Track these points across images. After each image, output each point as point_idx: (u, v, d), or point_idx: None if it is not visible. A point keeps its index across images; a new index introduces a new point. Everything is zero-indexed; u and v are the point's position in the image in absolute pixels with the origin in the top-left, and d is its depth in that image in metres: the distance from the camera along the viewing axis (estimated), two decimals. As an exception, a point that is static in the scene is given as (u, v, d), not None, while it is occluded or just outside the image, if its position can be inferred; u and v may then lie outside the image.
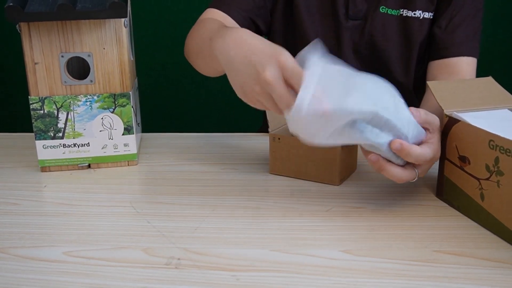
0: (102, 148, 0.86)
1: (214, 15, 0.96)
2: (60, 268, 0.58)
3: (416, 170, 0.67)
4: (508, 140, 0.60)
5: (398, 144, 0.63)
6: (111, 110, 0.84)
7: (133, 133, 0.86)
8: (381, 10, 0.97)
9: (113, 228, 0.67)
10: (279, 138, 0.80)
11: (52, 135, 0.84)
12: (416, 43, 0.98)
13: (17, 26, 0.80)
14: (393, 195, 0.75)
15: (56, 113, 0.83)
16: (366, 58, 1.01)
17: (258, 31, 1.03)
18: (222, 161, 0.89)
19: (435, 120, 0.68)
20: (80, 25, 0.80)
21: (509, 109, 0.72)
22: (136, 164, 0.88)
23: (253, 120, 1.42)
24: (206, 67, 0.88)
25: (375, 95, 0.61)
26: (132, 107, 0.86)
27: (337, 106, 0.58)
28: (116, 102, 0.84)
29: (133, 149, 0.87)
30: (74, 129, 0.84)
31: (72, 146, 0.85)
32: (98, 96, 0.84)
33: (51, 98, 0.83)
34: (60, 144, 0.85)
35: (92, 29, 0.81)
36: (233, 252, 0.61)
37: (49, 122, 0.84)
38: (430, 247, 0.61)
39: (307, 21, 1.00)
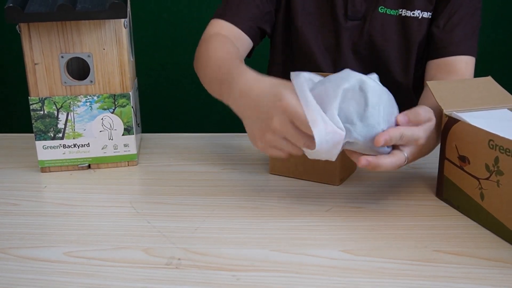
0: (102, 149, 0.86)
1: (220, 28, 0.96)
2: (60, 268, 0.58)
3: (405, 154, 0.66)
4: (507, 139, 0.60)
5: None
6: (111, 110, 0.84)
7: (133, 134, 0.86)
8: (380, 10, 0.97)
9: (114, 228, 0.67)
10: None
11: (52, 135, 0.84)
12: (415, 43, 0.98)
13: (17, 26, 0.80)
14: (393, 195, 0.75)
15: (56, 114, 0.83)
16: (365, 59, 1.01)
17: (264, 35, 1.03)
18: (222, 161, 0.89)
19: (426, 117, 0.66)
20: (80, 26, 0.80)
21: (508, 109, 0.72)
22: (136, 165, 0.89)
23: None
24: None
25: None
26: (132, 107, 0.86)
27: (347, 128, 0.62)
28: (116, 103, 0.84)
29: (133, 150, 0.87)
30: (74, 130, 0.84)
31: (72, 146, 0.85)
32: (98, 97, 0.84)
33: (51, 99, 0.83)
34: (60, 144, 0.85)
35: (92, 29, 0.81)
36: (233, 252, 0.61)
37: (49, 122, 0.84)
38: (430, 246, 0.61)
39: (305, 23, 1.00)
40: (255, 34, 0.99)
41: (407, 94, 1.03)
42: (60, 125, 0.84)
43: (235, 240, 0.63)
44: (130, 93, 0.85)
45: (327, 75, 0.67)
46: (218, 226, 0.67)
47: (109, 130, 0.85)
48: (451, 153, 0.70)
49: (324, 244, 0.62)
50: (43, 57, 0.81)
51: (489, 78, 0.76)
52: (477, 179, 0.65)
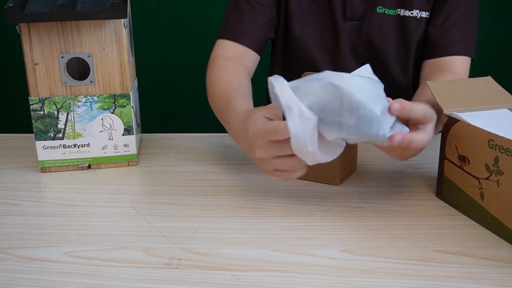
0: (102, 149, 0.86)
1: (226, 49, 0.96)
2: (60, 268, 0.58)
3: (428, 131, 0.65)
4: (507, 139, 0.60)
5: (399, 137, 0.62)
6: (111, 110, 0.85)
7: (133, 134, 0.86)
8: (378, 10, 0.97)
9: (114, 228, 0.67)
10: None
11: (52, 135, 0.84)
12: (414, 43, 0.98)
13: (17, 26, 0.80)
14: (393, 195, 0.75)
15: (56, 114, 0.83)
16: (364, 59, 1.01)
17: (270, 40, 1.04)
18: (222, 161, 0.89)
19: (423, 113, 0.64)
20: (80, 26, 0.80)
21: (508, 109, 0.72)
22: (136, 165, 0.89)
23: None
24: None
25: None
26: (132, 107, 0.86)
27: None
28: (116, 103, 0.84)
29: (133, 150, 0.87)
30: (74, 130, 0.84)
31: (72, 146, 0.85)
32: (98, 97, 0.84)
33: (51, 99, 0.83)
34: (60, 144, 0.85)
35: (92, 29, 0.81)
36: (234, 252, 0.61)
37: (49, 122, 0.84)
38: (430, 246, 0.61)
39: (303, 25, 1.00)
40: (261, 46, 0.99)
41: (406, 93, 1.03)
42: (60, 125, 0.84)
43: (235, 240, 0.64)
44: (130, 93, 0.85)
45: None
46: (218, 226, 0.67)
47: (109, 130, 0.85)
48: (451, 153, 0.70)
49: (324, 244, 0.62)
50: (43, 57, 0.81)
51: (489, 78, 0.76)
52: (477, 179, 0.65)
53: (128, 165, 0.88)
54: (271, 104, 0.66)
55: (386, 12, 0.97)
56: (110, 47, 0.82)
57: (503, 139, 0.60)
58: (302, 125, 0.59)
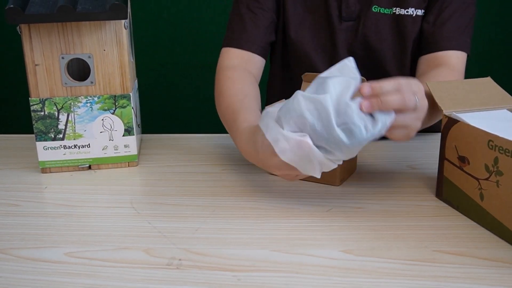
0: (103, 149, 0.86)
1: (231, 57, 0.97)
2: (61, 269, 0.58)
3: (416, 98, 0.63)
4: (507, 140, 0.60)
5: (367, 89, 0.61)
6: (112, 111, 0.85)
7: (134, 134, 0.87)
8: (373, 9, 0.97)
9: (114, 229, 0.67)
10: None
11: (53, 136, 0.84)
12: (410, 41, 0.98)
13: (18, 27, 0.80)
14: (393, 195, 0.76)
15: (56, 115, 0.83)
16: (361, 59, 1.00)
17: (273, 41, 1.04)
18: (223, 161, 0.89)
19: (393, 81, 0.63)
20: (80, 27, 0.81)
21: (508, 110, 0.72)
22: (136, 165, 0.89)
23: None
24: None
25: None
26: (133, 108, 0.86)
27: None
28: (116, 103, 0.85)
29: (133, 150, 0.87)
30: (75, 131, 0.85)
31: (73, 147, 0.85)
32: (98, 98, 0.84)
33: (51, 100, 0.83)
34: (61, 145, 0.85)
35: (92, 30, 0.81)
36: (234, 253, 0.61)
37: (49, 123, 0.84)
38: (430, 247, 0.62)
39: (300, 27, 1.01)
40: (265, 50, 1.00)
41: None
42: (61, 126, 0.84)
43: (235, 241, 0.64)
44: (131, 93, 0.85)
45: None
46: (218, 226, 0.67)
47: (109, 131, 0.86)
48: (450, 153, 0.70)
49: (324, 244, 0.63)
50: (43, 58, 0.81)
51: (489, 78, 0.76)
52: (477, 179, 0.66)
53: (128, 166, 0.88)
54: (275, 104, 0.67)
55: (381, 11, 0.97)
56: (111, 48, 0.82)
57: (502, 140, 0.61)
58: (292, 150, 0.61)
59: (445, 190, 0.72)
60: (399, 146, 0.96)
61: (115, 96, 0.84)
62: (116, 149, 0.87)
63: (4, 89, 2.01)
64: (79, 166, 0.87)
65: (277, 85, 1.11)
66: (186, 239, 0.64)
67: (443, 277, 0.55)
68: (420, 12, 0.96)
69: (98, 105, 0.84)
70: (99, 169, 0.87)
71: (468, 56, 0.96)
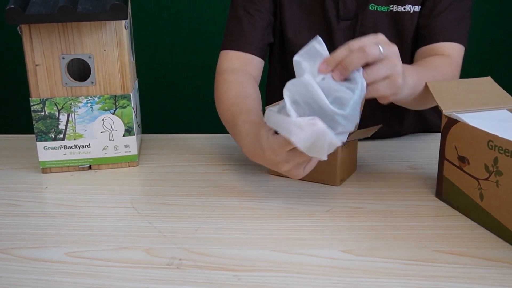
0: (103, 149, 0.86)
1: (230, 60, 0.96)
2: (62, 268, 0.58)
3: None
4: (507, 140, 0.60)
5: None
6: (112, 111, 0.85)
7: (134, 134, 0.87)
8: (370, 7, 0.97)
9: (115, 229, 0.67)
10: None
11: (53, 136, 0.84)
12: (409, 38, 0.97)
13: (18, 28, 0.80)
14: (393, 195, 0.76)
15: (57, 115, 0.84)
16: None
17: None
18: (223, 162, 0.89)
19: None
20: (80, 27, 0.81)
21: (508, 110, 0.72)
22: (136, 165, 0.89)
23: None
24: None
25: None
26: (133, 108, 0.86)
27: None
28: (116, 104, 0.85)
29: (133, 150, 0.87)
30: (75, 131, 0.85)
31: (73, 147, 0.85)
32: (98, 98, 0.84)
33: (52, 100, 0.83)
34: (61, 145, 0.85)
35: (92, 30, 0.81)
36: (234, 253, 0.61)
37: (50, 123, 0.84)
38: (430, 246, 0.62)
39: (297, 28, 1.00)
40: (264, 52, 1.00)
41: None
42: (61, 126, 0.84)
43: (235, 241, 0.64)
44: (131, 94, 0.85)
45: None
46: (218, 226, 0.67)
47: (109, 131, 0.86)
48: (450, 153, 0.70)
49: (325, 244, 0.63)
50: (44, 58, 0.81)
51: (489, 78, 0.76)
52: (477, 179, 0.66)
53: (128, 166, 0.88)
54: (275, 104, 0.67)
55: (378, 9, 0.97)
56: (111, 48, 0.82)
57: (502, 140, 0.61)
58: (307, 135, 0.60)
59: (445, 190, 0.73)
60: (399, 146, 0.96)
61: (115, 96, 0.84)
62: (116, 149, 0.87)
63: (4, 89, 2.01)
64: (80, 166, 0.87)
65: (276, 86, 1.11)
66: (187, 239, 0.64)
67: (443, 277, 0.55)
68: (417, 8, 0.96)
69: (99, 105, 0.84)
70: (100, 169, 0.87)
71: (465, 49, 0.95)
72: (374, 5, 0.97)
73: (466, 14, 0.95)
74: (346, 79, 0.63)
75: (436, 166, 0.73)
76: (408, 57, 1.00)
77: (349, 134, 0.79)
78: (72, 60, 0.83)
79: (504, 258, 0.59)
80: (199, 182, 0.81)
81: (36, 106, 0.83)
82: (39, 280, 0.56)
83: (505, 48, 1.90)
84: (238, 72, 0.94)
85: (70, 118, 0.84)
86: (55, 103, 0.83)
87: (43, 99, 0.83)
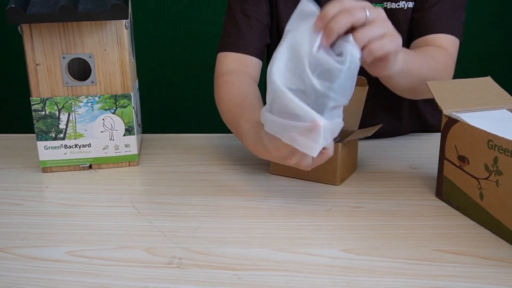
0: (103, 149, 0.87)
1: (228, 61, 0.96)
2: (63, 267, 0.58)
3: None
4: (507, 140, 0.60)
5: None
6: (112, 111, 0.85)
7: (134, 134, 0.87)
8: None
9: (115, 228, 0.67)
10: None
11: (54, 136, 0.85)
12: (404, 35, 0.97)
13: (19, 27, 0.80)
14: (393, 195, 0.76)
15: (57, 114, 0.84)
16: None
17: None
18: (223, 161, 0.90)
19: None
20: (81, 27, 0.81)
21: (507, 109, 0.72)
22: (137, 165, 0.89)
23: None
24: None
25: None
26: (133, 108, 0.86)
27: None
28: (117, 103, 0.85)
29: (134, 150, 0.88)
30: (76, 130, 0.85)
31: (74, 147, 0.85)
32: (99, 97, 0.84)
33: (52, 99, 0.83)
34: (62, 145, 0.85)
35: (93, 30, 0.81)
36: (235, 252, 0.61)
37: (50, 123, 0.84)
38: (429, 246, 0.62)
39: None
40: (261, 53, 1.00)
41: None
42: (62, 126, 0.84)
43: (236, 240, 0.64)
44: (131, 93, 0.85)
45: None
46: (219, 225, 0.68)
47: (110, 131, 0.86)
48: (450, 153, 0.70)
49: (325, 244, 0.63)
50: (44, 58, 0.81)
51: (489, 78, 0.76)
52: (477, 179, 0.66)
53: (129, 165, 0.88)
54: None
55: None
56: (111, 47, 0.82)
57: (502, 140, 0.61)
58: (302, 135, 0.60)
59: (445, 190, 0.73)
60: (399, 146, 0.96)
61: (115, 95, 0.84)
62: (116, 149, 0.87)
63: (4, 89, 2.01)
64: (80, 166, 0.87)
65: None
66: (187, 238, 0.64)
67: (443, 276, 0.56)
68: (411, 4, 0.95)
69: (99, 105, 0.84)
70: (100, 168, 0.87)
71: (460, 42, 0.94)
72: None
73: (460, 7, 0.94)
74: (339, 54, 0.61)
75: (436, 166, 0.74)
76: None
77: (349, 134, 0.80)
78: (72, 60, 0.83)
79: (504, 258, 0.59)
80: (199, 181, 0.82)
81: (36, 105, 0.83)
82: (40, 279, 0.56)
83: (505, 48, 1.90)
84: (238, 73, 0.94)
85: (70, 118, 0.84)
86: (55, 103, 0.83)
87: (43, 98, 0.83)
